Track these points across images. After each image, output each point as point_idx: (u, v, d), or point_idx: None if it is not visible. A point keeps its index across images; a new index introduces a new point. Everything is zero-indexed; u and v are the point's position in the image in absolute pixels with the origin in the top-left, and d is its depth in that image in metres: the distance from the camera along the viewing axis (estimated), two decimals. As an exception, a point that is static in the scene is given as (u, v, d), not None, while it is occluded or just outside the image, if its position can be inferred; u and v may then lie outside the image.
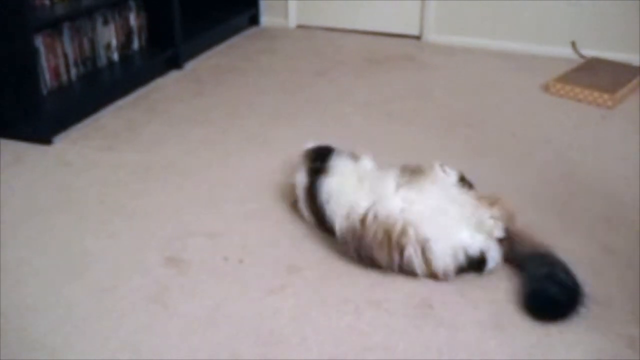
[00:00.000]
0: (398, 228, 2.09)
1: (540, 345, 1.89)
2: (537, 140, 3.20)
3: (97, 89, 3.52)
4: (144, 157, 2.99)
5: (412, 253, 2.09)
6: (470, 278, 2.16)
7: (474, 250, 2.11)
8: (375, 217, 2.13)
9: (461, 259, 2.11)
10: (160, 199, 2.66)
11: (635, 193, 2.72)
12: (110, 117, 3.42)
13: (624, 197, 2.69)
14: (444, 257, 2.09)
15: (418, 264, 2.10)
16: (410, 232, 2.09)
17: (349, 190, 2.26)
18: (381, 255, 2.13)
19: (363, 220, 2.15)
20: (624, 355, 1.86)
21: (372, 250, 2.14)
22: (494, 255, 2.15)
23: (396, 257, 2.11)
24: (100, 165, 2.92)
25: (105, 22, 3.63)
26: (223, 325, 1.96)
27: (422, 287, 2.12)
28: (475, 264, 2.13)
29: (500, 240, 2.17)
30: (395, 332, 1.94)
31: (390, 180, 2.23)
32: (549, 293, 2.01)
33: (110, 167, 2.90)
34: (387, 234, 2.10)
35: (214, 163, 2.96)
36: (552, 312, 1.99)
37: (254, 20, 5.11)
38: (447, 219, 2.14)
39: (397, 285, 2.13)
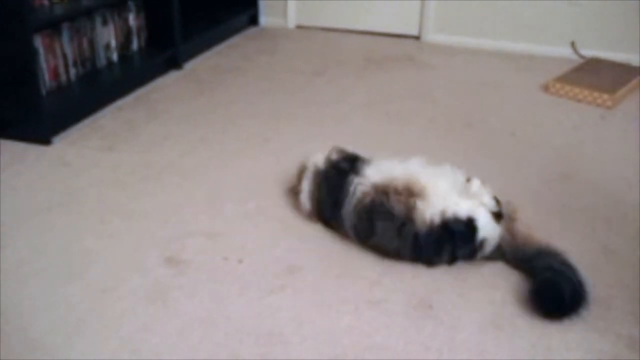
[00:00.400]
0: (419, 184, 2.24)
1: (539, 345, 1.89)
2: (537, 140, 3.20)
3: (97, 89, 3.51)
4: (144, 157, 2.99)
5: (420, 205, 2.18)
6: (470, 277, 2.16)
7: (462, 212, 2.16)
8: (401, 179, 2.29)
9: (449, 215, 2.15)
10: (160, 199, 2.66)
11: (635, 193, 2.72)
12: (109, 118, 3.42)
13: (624, 197, 2.69)
14: (435, 208, 2.17)
15: (419, 213, 2.17)
16: (427, 189, 2.22)
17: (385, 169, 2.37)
18: (397, 200, 2.22)
19: (392, 179, 2.28)
20: (624, 356, 1.86)
21: (389, 197, 2.23)
22: (486, 226, 2.17)
23: (412, 202, 2.19)
24: (100, 165, 2.92)
25: (105, 23, 3.63)
26: (223, 325, 1.96)
27: (421, 288, 2.12)
28: (464, 230, 2.15)
29: (497, 217, 2.21)
30: (395, 332, 1.94)
31: (419, 163, 2.40)
32: (559, 288, 2.01)
33: (110, 167, 2.90)
34: (409, 185, 2.24)
35: (213, 163, 2.96)
36: (556, 308, 1.99)
37: (254, 20, 5.11)
38: (448, 187, 2.26)
39: (397, 285, 2.13)
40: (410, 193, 2.22)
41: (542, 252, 2.16)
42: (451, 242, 2.17)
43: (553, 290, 2.03)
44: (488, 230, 2.18)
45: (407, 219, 2.19)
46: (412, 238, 2.18)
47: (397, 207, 2.21)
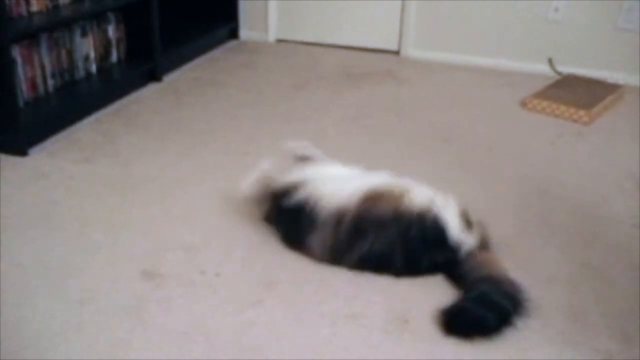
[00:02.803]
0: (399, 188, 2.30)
1: (517, 359, 1.90)
2: (515, 156, 3.22)
3: (75, 101, 3.49)
4: (122, 170, 2.98)
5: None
6: (446, 291, 2.16)
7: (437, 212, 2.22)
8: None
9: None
10: (138, 212, 2.64)
11: (612, 208, 2.75)
12: (87, 130, 3.40)
13: (600, 211, 2.72)
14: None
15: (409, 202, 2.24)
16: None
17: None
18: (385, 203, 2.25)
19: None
20: (600, 370, 1.87)
21: (374, 203, 2.25)
22: (457, 230, 2.21)
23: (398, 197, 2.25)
24: (77, 177, 2.90)
25: (84, 34, 3.62)
26: (200, 339, 1.94)
27: (398, 302, 2.12)
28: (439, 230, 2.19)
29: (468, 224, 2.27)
30: (372, 347, 1.93)
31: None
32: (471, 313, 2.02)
33: (88, 180, 2.88)
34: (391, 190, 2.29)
35: (192, 176, 2.94)
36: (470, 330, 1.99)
37: (234, 33, 5.11)
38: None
39: (374, 299, 2.13)
40: (394, 196, 2.25)
41: (488, 279, 2.14)
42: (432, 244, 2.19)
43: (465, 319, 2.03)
44: (460, 235, 2.20)
45: (396, 216, 2.20)
46: (404, 228, 2.19)
47: (385, 209, 2.22)
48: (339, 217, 2.26)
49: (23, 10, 3.25)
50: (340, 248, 2.26)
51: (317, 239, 2.29)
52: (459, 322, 2.00)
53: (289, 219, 2.39)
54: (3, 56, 2.95)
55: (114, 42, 3.89)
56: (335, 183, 2.36)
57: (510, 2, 4.42)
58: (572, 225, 2.62)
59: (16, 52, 3.15)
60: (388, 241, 2.20)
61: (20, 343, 1.91)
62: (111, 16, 3.82)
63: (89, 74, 3.71)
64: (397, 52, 4.84)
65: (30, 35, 3.24)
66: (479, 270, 2.17)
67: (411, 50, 4.78)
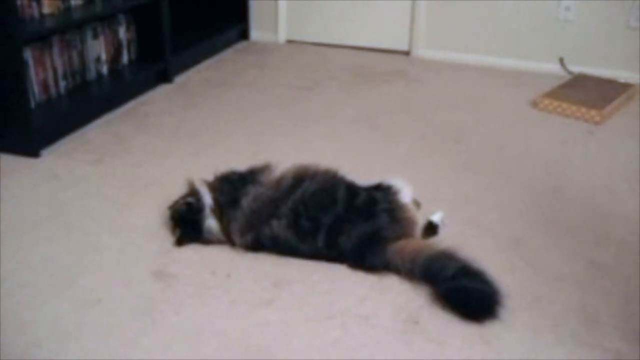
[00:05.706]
0: None
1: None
2: (525, 156, 3.21)
3: (86, 103, 3.51)
4: (132, 171, 2.99)
5: None
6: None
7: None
8: None
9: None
10: (148, 212, 2.65)
11: (622, 208, 2.73)
12: (99, 131, 3.42)
13: (611, 211, 2.71)
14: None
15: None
16: None
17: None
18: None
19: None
20: (611, 370, 1.87)
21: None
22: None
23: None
24: (89, 178, 2.91)
25: (95, 36, 3.63)
26: (210, 339, 1.95)
27: (409, 303, 2.12)
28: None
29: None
30: (382, 348, 1.93)
31: None
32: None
33: (98, 181, 2.89)
34: None
35: (202, 177, 2.94)
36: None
37: (244, 34, 5.12)
38: None
39: (385, 300, 2.13)
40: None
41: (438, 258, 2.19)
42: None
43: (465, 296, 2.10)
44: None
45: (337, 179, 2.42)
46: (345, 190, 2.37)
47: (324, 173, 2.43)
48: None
49: (35, 12, 3.27)
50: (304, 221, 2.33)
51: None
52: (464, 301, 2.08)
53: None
54: (15, 58, 2.97)
55: (124, 43, 3.90)
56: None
57: (520, 1, 4.41)
58: (582, 224, 2.61)
59: (28, 54, 3.17)
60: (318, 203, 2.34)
61: (30, 343, 1.92)
62: (122, 18, 3.84)
63: (100, 75, 3.73)
64: (407, 53, 4.83)
65: (41, 37, 3.26)
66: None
67: (421, 51, 4.78)
